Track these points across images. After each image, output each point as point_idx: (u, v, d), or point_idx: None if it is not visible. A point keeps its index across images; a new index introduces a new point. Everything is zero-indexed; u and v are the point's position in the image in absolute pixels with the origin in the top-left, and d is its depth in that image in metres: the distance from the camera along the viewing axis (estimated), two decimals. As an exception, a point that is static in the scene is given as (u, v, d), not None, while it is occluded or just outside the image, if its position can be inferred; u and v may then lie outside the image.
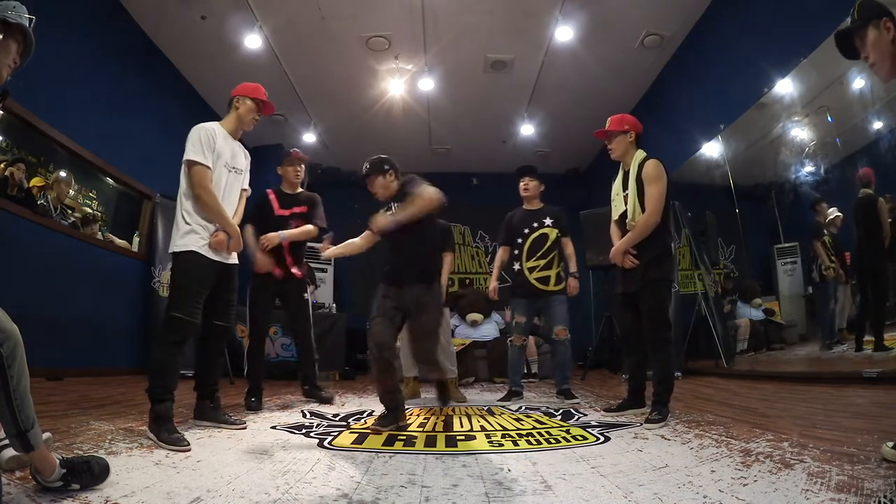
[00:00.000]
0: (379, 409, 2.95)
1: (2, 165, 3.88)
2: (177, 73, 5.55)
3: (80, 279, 4.05)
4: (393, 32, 5.02)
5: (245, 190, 2.41)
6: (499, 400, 3.34)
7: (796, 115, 4.10)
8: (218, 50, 5.10)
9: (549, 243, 3.30)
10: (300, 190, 3.21)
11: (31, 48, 1.22)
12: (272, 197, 3.13)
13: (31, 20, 1.20)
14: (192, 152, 2.09)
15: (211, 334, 2.26)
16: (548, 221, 3.34)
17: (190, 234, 2.09)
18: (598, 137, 2.73)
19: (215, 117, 2.38)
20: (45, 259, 3.70)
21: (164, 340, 2.01)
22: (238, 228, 2.24)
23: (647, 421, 2.25)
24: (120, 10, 4.57)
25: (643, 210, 2.43)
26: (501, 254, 3.50)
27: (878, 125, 3.62)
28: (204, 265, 2.10)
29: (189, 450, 1.70)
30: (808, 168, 4.40)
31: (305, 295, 3.16)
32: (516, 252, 3.36)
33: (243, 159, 2.38)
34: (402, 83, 5.67)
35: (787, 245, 4.81)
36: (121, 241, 4.91)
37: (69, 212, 4.53)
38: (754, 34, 4.03)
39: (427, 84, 5.62)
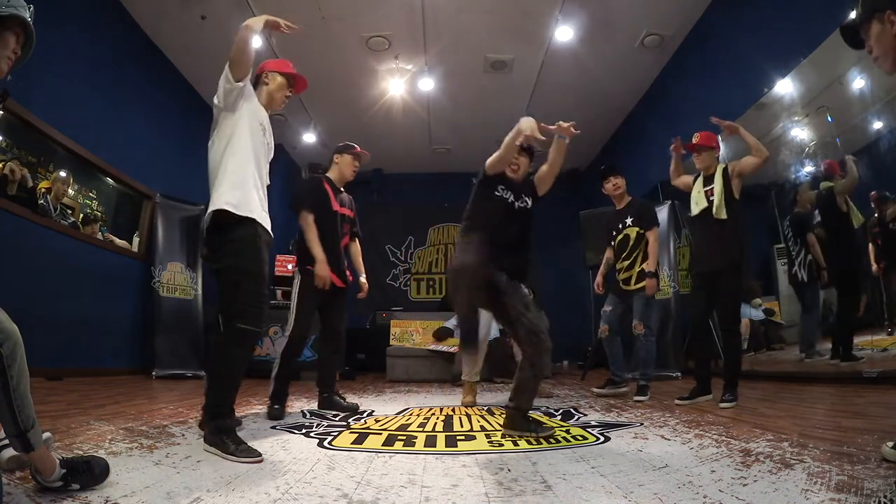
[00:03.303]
0: (380, 409, 2.96)
1: (1, 165, 3.88)
2: (177, 73, 5.55)
3: (80, 279, 4.05)
4: (393, 32, 5.03)
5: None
6: (596, 388, 3.52)
7: (796, 115, 4.09)
8: (218, 50, 5.05)
9: (631, 243, 3.40)
10: (342, 189, 3.02)
11: (32, 39, 1.20)
12: (326, 186, 2.89)
13: (29, 9, 1.18)
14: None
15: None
16: (629, 221, 3.43)
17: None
18: (688, 149, 3.03)
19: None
20: (45, 259, 3.70)
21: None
22: None
23: (723, 401, 2.62)
24: (120, 10, 4.58)
25: (727, 206, 2.80)
26: (608, 253, 3.64)
27: (878, 125, 3.60)
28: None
29: (261, 459, 1.59)
30: (808, 168, 4.39)
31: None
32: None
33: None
34: (402, 83, 5.67)
35: (784, 242, 4.80)
36: (121, 241, 4.91)
37: (69, 212, 4.52)
38: (754, 34, 4.03)
39: (427, 84, 5.62)
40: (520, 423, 2.04)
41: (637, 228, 3.38)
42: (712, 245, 2.85)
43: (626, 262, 3.40)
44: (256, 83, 2.10)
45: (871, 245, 3.78)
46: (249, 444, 1.69)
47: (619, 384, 3.43)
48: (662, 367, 4.83)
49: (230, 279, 1.78)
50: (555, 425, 2.30)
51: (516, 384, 2.08)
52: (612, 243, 3.54)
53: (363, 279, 3.08)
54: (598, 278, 3.67)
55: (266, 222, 1.91)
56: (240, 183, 1.84)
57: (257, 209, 1.86)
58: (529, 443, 1.91)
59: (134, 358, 4.63)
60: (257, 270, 1.80)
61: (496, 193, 2.27)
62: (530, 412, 2.16)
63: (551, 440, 1.94)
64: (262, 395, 3.16)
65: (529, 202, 2.35)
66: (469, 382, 3.28)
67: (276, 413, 2.53)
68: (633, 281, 3.36)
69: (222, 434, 1.69)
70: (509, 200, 2.27)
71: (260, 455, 1.61)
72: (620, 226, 3.46)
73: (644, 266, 3.30)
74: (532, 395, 2.08)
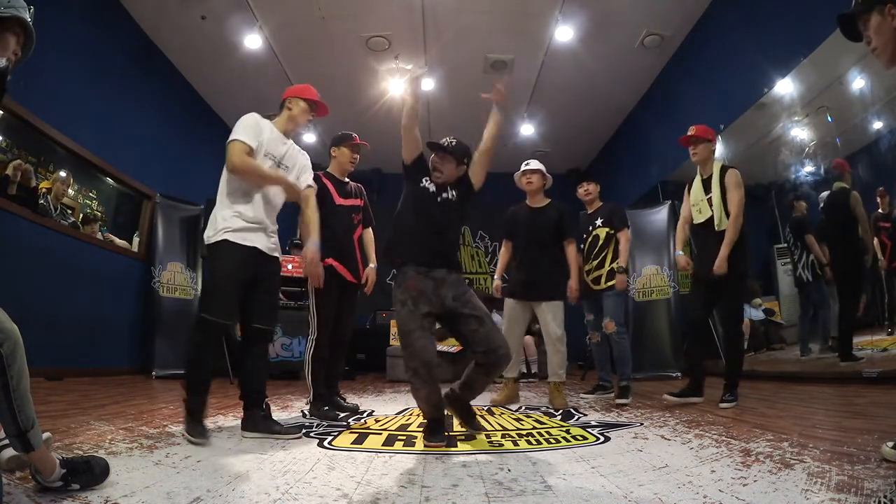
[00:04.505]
0: (380, 409, 2.96)
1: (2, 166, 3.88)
2: (177, 73, 5.55)
3: (80, 279, 4.05)
4: (393, 32, 5.03)
5: (310, 186, 2.29)
6: (585, 392, 3.61)
7: (796, 115, 4.09)
8: (218, 50, 5.10)
9: (600, 243, 3.43)
10: (347, 178, 2.94)
11: (32, 39, 1.20)
12: (326, 181, 2.80)
13: (29, 10, 1.18)
14: (236, 133, 2.01)
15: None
16: (598, 222, 3.46)
17: None
18: (682, 144, 2.97)
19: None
20: (45, 259, 3.70)
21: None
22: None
23: (723, 401, 2.62)
24: (120, 11, 4.58)
25: (727, 213, 2.73)
26: (578, 261, 3.59)
27: (878, 125, 3.61)
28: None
29: (204, 443, 1.76)
30: (808, 168, 4.39)
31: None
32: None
33: (297, 159, 2.27)
34: (402, 83, 5.66)
35: (787, 245, 4.81)
36: (121, 241, 4.91)
37: (69, 212, 4.53)
38: (754, 34, 4.03)
39: (427, 84, 5.62)
40: (456, 408, 2.12)
41: (606, 229, 3.40)
42: (715, 255, 2.77)
43: (595, 262, 3.43)
44: (280, 108, 2.25)
45: (875, 240, 3.79)
46: (250, 444, 1.69)
47: (609, 389, 3.45)
48: (662, 367, 4.84)
49: (207, 276, 1.94)
50: (555, 425, 2.31)
51: (465, 379, 2.05)
52: (583, 246, 3.54)
53: (371, 266, 2.92)
54: (573, 283, 3.60)
55: (260, 241, 2.06)
56: (234, 211, 2.02)
57: (247, 232, 2.02)
58: (529, 443, 1.91)
59: (134, 358, 4.63)
60: (229, 270, 1.97)
61: (421, 185, 2.14)
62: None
63: (546, 442, 1.94)
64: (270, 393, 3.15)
65: (455, 194, 2.15)
66: (506, 379, 3.34)
67: (327, 414, 2.51)
68: (602, 280, 3.36)
69: (190, 417, 1.87)
70: (431, 191, 2.13)
71: (203, 439, 1.77)
72: (591, 227, 3.48)
73: (615, 265, 3.30)
74: (477, 394, 2.10)
